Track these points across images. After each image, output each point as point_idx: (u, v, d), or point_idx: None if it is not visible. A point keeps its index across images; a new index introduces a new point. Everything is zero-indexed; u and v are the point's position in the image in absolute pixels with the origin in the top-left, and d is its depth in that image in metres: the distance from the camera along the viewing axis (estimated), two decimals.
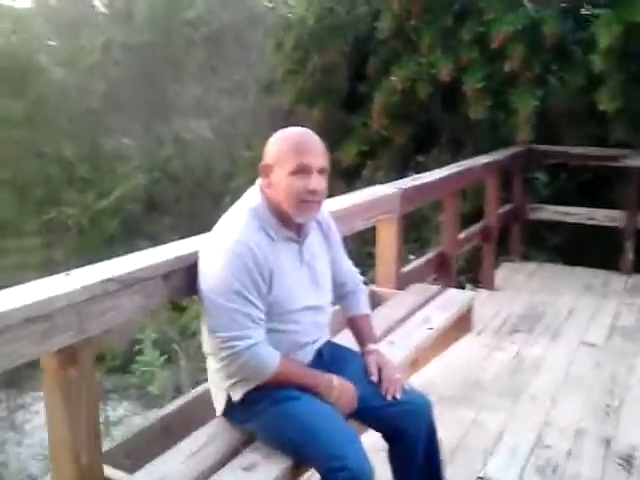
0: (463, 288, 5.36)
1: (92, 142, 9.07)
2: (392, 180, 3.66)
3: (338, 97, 6.09)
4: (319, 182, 1.79)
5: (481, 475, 2.60)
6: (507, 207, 5.60)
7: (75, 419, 1.61)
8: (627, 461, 2.70)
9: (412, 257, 5.52)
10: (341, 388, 1.85)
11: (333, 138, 6.50)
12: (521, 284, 5.22)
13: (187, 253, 1.87)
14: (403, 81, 5.23)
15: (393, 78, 5.29)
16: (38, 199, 8.97)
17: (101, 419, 5.23)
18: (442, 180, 3.83)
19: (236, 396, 1.83)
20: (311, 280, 1.92)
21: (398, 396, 1.92)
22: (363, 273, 2.23)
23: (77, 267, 1.75)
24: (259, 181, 1.87)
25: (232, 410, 1.87)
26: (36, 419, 5.93)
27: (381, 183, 3.57)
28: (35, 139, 9.15)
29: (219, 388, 1.89)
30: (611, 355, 3.82)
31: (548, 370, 3.61)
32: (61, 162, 9.16)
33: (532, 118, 5.13)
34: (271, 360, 1.76)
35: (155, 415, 2.09)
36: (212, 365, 1.88)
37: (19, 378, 6.43)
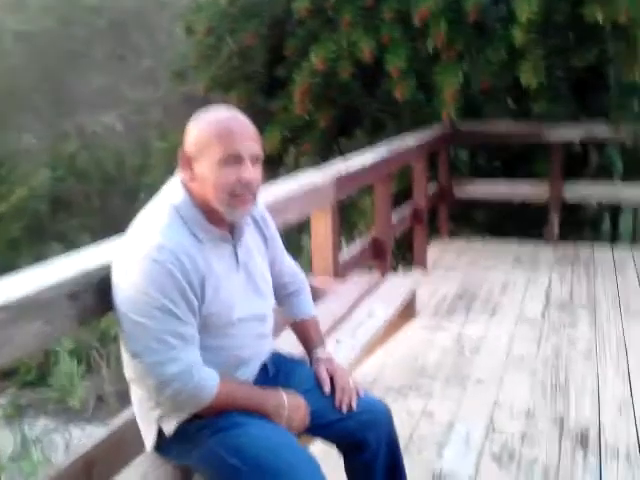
0: (396, 269, 5.28)
1: None
2: (316, 165, 3.47)
3: (256, 82, 5.80)
4: (253, 172, 1.54)
5: (437, 468, 2.47)
6: (434, 187, 5.53)
7: None
8: (582, 441, 2.64)
9: (344, 243, 5.37)
10: (293, 405, 1.62)
11: (254, 125, 6.20)
12: (453, 262, 5.19)
13: (96, 265, 1.57)
14: (323, 62, 5.02)
15: (313, 59, 5.05)
16: None
17: (17, 439, 4.80)
18: (374, 164, 3.66)
19: (168, 429, 1.57)
20: (250, 285, 1.67)
21: (354, 406, 1.73)
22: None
23: None
24: (179, 174, 1.60)
25: (164, 444, 1.60)
26: None
27: (306, 169, 3.36)
28: None
29: (147, 420, 1.61)
30: (550, 329, 3.81)
31: (491, 350, 3.54)
32: None
33: (456, 96, 5.05)
34: (209, 383, 1.51)
35: (76, 451, 1.79)
36: (137, 393, 1.61)
37: None
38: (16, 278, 1.50)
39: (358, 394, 1.76)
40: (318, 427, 1.71)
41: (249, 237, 1.70)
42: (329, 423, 1.72)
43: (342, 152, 5.71)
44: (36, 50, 7.65)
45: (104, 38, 7.75)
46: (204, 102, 6.92)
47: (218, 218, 1.56)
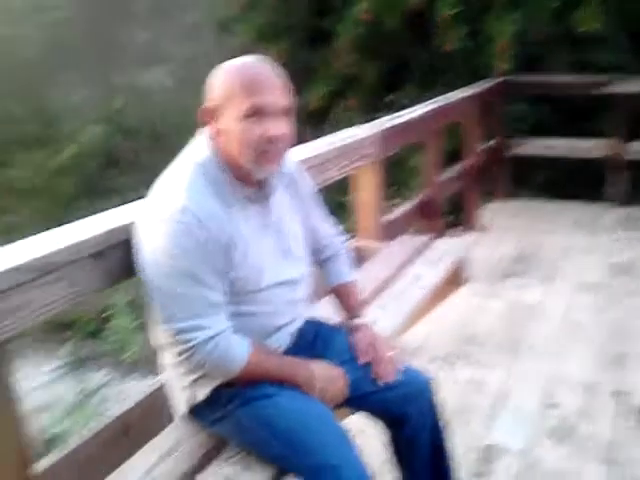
0: (447, 231, 5.08)
1: (37, 96, 8.37)
2: (363, 122, 3.29)
3: (300, 34, 5.58)
4: (281, 126, 1.39)
5: (487, 442, 2.34)
6: (488, 144, 5.26)
7: None
8: None
9: (393, 203, 5.18)
10: (327, 376, 1.51)
11: (297, 79, 6.00)
12: (509, 224, 4.93)
13: (122, 225, 1.48)
14: (368, 12, 4.75)
15: (358, 8, 4.79)
16: None
17: (78, 389, 4.88)
18: (423, 118, 3.46)
19: (200, 395, 1.49)
20: (281, 248, 1.55)
21: (392, 378, 1.60)
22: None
23: (37, 232, 1.43)
24: (206, 129, 1.47)
25: (197, 411, 1.52)
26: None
27: (352, 126, 3.19)
28: None
29: (179, 386, 1.54)
30: (612, 296, 3.57)
31: (547, 318, 3.35)
32: (7, 121, 8.47)
33: (510, 45, 4.73)
34: (239, 352, 1.41)
35: (113, 414, 1.74)
36: (167, 359, 1.53)
37: None
38: (37, 239, 1.42)
39: (398, 365, 1.64)
40: (354, 399, 1.60)
41: (281, 196, 1.57)
42: (365, 395, 1.61)
43: (391, 107, 5.48)
44: (83, 4, 7.58)
45: None
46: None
47: (246, 176, 1.43)
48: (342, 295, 1.77)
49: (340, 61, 5.29)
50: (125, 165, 7.56)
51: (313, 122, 6.86)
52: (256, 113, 1.36)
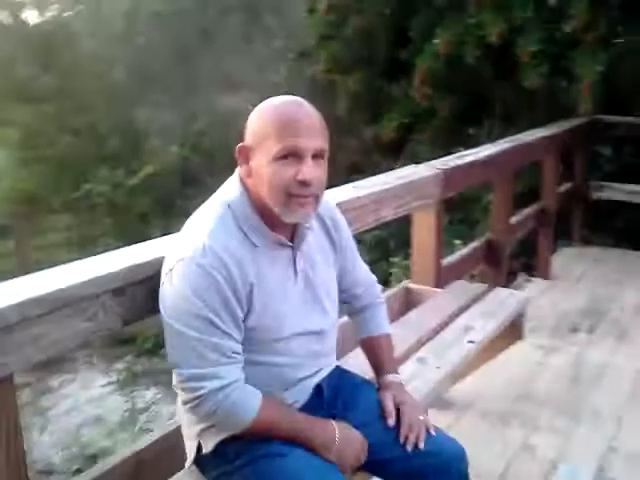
0: (515, 275, 4.84)
1: (122, 116, 8.76)
2: (437, 157, 3.17)
3: (377, 65, 5.54)
4: (314, 170, 1.32)
5: None
6: (567, 186, 5.00)
7: None
8: None
9: (458, 242, 5.00)
10: (345, 439, 1.41)
11: (372, 110, 6.00)
12: (582, 273, 4.64)
13: (145, 261, 1.44)
14: (447, 45, 4.65)
15: (436, 41, 4.70)
16: (70, 175, 8.73)
17: (128, 405, 4.98)
18: (491, 158, 3.30)
19: (207, 446, 1.42)
20: (309, 297, 1.47)
21: (421, 445, 1.47)
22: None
23: (113, 247, 1.48)
24: (238, 168, 1.42)
25: (203, 462, 1.45)
26: (62, 404, 5.74)
27: (424, 160, 3.08)
28: (65, 113, 8.91)
29: (189, 432, 1.47)
30: None
31: (614, 380, 3.09)
32: (92, 137, 8.90)
33: (595, 86, 4.49)
34: (250, 405, 1.33)
35: (124, 453, 1.69)
36: (180, 403, 1.47)
37: (47, 361, 6.24)
38: (58, 271, 1.41)
39: (428, 431, 1.51)
40: (376, 464, 1.49)
41: (313, 242, 1.49)
42: (389, 460, 1.48)
43: (469, 142, 5.34)
44: (170, 29, 7.89)
45: (235, 19, 7.80)
46: (329, 85, 6.75)
47: (276, 220, 1.36)
48: (373, 349, 1.67)
49: (417, 93, 5.20)
50: (201, 186, 7.74)
51: (387, 155, 6.79)
52: (288, 155, 1.30)
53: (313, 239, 1.50)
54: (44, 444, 5.04)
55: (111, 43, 8.48)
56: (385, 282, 5.72)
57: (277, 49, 7.71)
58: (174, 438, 1.63)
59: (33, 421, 5.34)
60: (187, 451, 1.49)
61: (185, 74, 7.94)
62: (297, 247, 1.43)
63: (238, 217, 1.36)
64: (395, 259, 5.56)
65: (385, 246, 6.16)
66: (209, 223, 1.34)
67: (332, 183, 2.40)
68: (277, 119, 1.32)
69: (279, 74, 6.85)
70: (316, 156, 1.33)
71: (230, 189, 1.40)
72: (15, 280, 1.33)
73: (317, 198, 1.37)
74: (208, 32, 7.84)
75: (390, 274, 5.57)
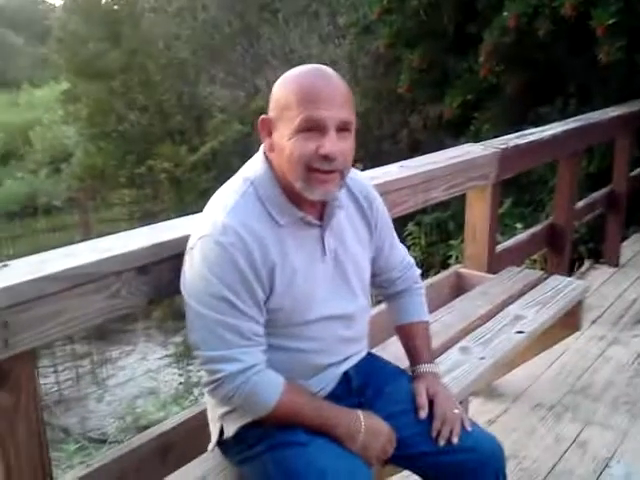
0: (582, 261, 4.61)
1: (186, 92, 8.85)
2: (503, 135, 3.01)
3: (443, 39, 5.32)
4: (337, 143, 1.23)
5: None
6: None
7: (11, 459, 1.24)
8: None
9: (519, 226, 4.80)
10: (371, 430, 1.34)
11: (436, 87, 5.80)
12: None
13: (169, 239, 1.41)
14: (518, 18, 4.40)
15: (506, 14, 4.46)
16: (135, 151, 8.94)
17: (182, 379, 5.09)
18: (556, 138, 3.10)
19: (229, 430, 1.38)
20: (338, 279, 1.40)
21: (455, 440, 1.39)
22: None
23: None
24: (263, 142, 1.35)
25: (226, 446, 1.42)
26: (120, 375, 5.92)
27: (488, 140, 2.93)
28: (132, 90, 9.09)
29: (212, 415, 1.44)
30: None
31: None
32: (157, 113, 9.05)
33: None
34: (269, 391, 1.28)
35: (152, 432, 1.69)
36: (202, 385, 1.44)
37: (107, 331, 6.45)
38: (83, 246, 1.39)
39: (463, 426, 1.42)
40: (405, 458, 1.41)
41: (345, 221, 1.42)
42: (419, 455, 1.41)
43: (537, 121, 5.08)
44: (233, 5, 7.85)
45: None
46: (392, 61, 6.56)
47: (302, 197, 1.29)
48: (408, 336, 1.58)
49: (483, 69, 4.97)
50: None
51: (452, 133, 6.57)
52: (311, 127, 1.22)
53: (345, 218, 1.42)
54: (100, 413, 5.22)
55: (175, 20, 8.56)
56: (444, 265, 5.57)
57: (341, 24, 7.57)
58: (203, 419, 1.61)
59: (91, 390, 5.55)
60: (211, 433, 1.47)
61: (248, 50, 7.92)
62: (326, 226, 1.36)
63: (261, 194, 1.30)
64: (454, 242, 5.39)
65: (445, 228, 5.99)
66: (230, 200, 1.28)
67: (394, 162, 2.32)
68: (299, 89, 1.24)
69: (342, 49, 6.73)
70: (341, 129, 1.24)
71: (254, 165, 1.34)
72: (36, 255, 1.32)
73: (342, 174, 1.28)
74: (271, 7, 7.77)
75: (448, 257, 5.42)
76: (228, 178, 1.39)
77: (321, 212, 1.36)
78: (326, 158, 1.22)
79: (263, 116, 1.31)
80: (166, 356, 6.09)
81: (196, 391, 5.24)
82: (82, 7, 11.03)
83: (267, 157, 1.33)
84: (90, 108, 9.83)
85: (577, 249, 4.84)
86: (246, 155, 1.43)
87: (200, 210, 1.38)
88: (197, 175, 8.32)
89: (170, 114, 9.19)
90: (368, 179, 1.54)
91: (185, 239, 1.35)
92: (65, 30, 11.66)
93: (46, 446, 1.29)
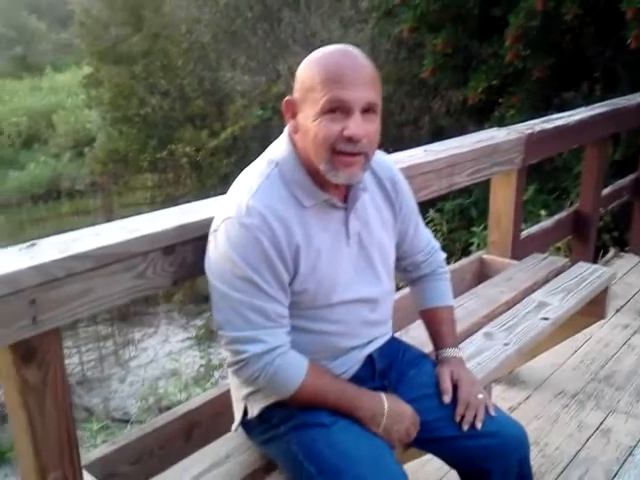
0: (607, 249, 4.55)
1: (207, 77, 8.84)
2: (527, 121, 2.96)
3: (468, 22, 5.24)
4: (362, 125, 1.21)
5: None
6: None
7: (39, 431, 1.26)
8: None
9: (544, 213, 4.74)
10: (394, 413, 1.34)
11: (460, 71, 5.72)
12: None
13: (195, 220, 1.41)
14: (545, 1, 4.31)
15: None
16: (157, 136, 8.97)
17: (203, 361, 5.12)
18: (583, 124, 3.05)
19: (253, 411, 1.39)
20: (362, 262, 1.39)
21: (479, 425, 1.38)
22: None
23: None
24: (288, 124, 1.34)
25: (250, 426, 1.43)
26: (143, 356, 5.98)
27: (511, 125, 2.89)
28: (153, 74, 9.10)
29: (236, 396, 1.45)
30: None
31: None
32: (178, 98, 9.05)
33: None
34: (295, 372, 1.28)
35: (176, 411, 1.70)
36: (227, 365, 1.44)
37: (130, 313, 6.52)
38: (110, 226, 1.40)
39: (487, 411, 1.41)
40: (429, 441, 1.42)
41: (370, 204, 1.41)
42: (443, 439, 1.41)
43: (563, 107, 5.00)
44: None
45: None
46: (415, 45, 6.47)
47: (325, 179, 1.28)
48: (432, 321, 1.58)
49: (509, 53, 4.89)
50: None
51: (475, 119, 6.49)
52: (336, 108, 1.21)
53: (370, 201, 1.41)
54: (123, 394, 5.29)
55: (197, 3, 8.53)
56: (465, 252, 5.53)
57: (363, 8, 7.49)
58: (227, 399, 1.62)
59: (114, 371, 5.63)
60: (235, 413, 1.48)
61: (269, 34, 7.88)
62: (350, 208, 1.35)
63: (286, 176, 1.29)
64: (476, 229, 5.35)
65: (467, 215, 5.94)
66: (254, 182, 1.28)
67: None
68: (323, 70, 1.22)
69: (364, 33, 6.67)
70: (367, 110, 1.23)
71: (279, 146, 1.34)
72: (65, 234, 1.33)
73: (367, 156, 1.26)
74: None
75: (470, 245, 5.38)
76: (248, 163, 1.38)
77: (345, 194, 1.35)
78: (351, 140, 1.21)
79: (288, 97, 1.30)
80: (187, 339, 6.15)
81: (217, 374, 5.28)
82: None
83: (291, 139, 1.32)
84: (112, 92, 9.88)
85: (601, 237, 4.78)
86: (267, 140, 1.42)
87: (221, 195, 1.37)
88: (218, 160, 8.33)
89: (191, 99, 9.20)
90: (393, 162, 1.52)
91: (210, 221, 1.35)
92: (87, 15, 11.71)
93: (72, 421, 1.31)
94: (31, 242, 1.29)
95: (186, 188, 8.71)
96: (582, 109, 3.31)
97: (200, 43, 8.82)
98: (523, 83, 5.16)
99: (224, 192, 1.37)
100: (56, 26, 27.43)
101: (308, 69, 1.26)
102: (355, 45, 1.34)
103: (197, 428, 1.69)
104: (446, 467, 1.49)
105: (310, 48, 1.32)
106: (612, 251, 4.35)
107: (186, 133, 8.80)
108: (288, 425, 1.33)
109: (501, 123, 5.03)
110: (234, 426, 1.46)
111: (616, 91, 4.74)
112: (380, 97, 1.27)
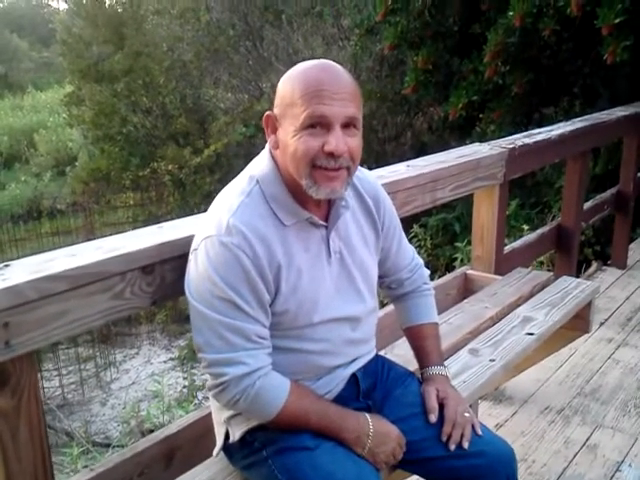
0: (589, 263, 4.58)
1: (189, 95, 8.84)
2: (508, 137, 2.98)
3: (448, 40, 5.29)
4: (343, 140, 1.20)
5: None
6: None
7: (12, 461, 1.21)
8: None
9: (526, 228, 4.76)
10: (380, 434, 1.31)
11: (441, 88, 5.76)
12: None
13: (174, 239, 1.38)
14: (523, 17, 4.36)
15: (510, 14, 4.43)
16: (139, 154, 8.92)
17: (186, 382, 5.05)
18: (563, 138, 3.07)
19: (234, 435, 1.35)
20: (344, 280, 1.37)
21: (465, 445, 1.36)
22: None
23: None
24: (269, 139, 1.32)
25: (231, 450, 1.39)
26: (124, 378, 5.88)
27: (493, 140, 2.90)
28: (135, 92, 9.07)
29: (217, 419, 1.42)
30: None
31: None
32: (160, 116, 9.03)
33: None
34: (276, 394, 1.25)
35: (156, 436, 1.66)
36: (207, 388, 1.41)
37: (111, 334, 6.42)
38: (87, 246, 1.36)
39: (474, 430, 1.39)
40: (415, 462, 1.39)
41: (351, 222, 1.39)
42: (429, 459, 1.38)
43: (542, 122, 5.05)
44: (237, 7, 7.82)
45: None
46: (397, 63, 6.49)
47: (307, 196, 1.26)
48: (417, 338, 1.55)
49: (488, 69, 4.93)
50: None
51: (457, 135, 6.54)
52: (316, 124, 1.19)
53: (351, 218, 1.39)
54: (104, 417, 5.19)
55: (179, 22, 8.55)
56: (449, 268, 5.53)
57: (345, 26, 7.55)
58: (208, 423, 1.58)
59: (95, 394, 5.52)
60: (216, 437, 1.44)
61: (251, 52, 7.91)
62: (331, 226, 1.33)
63: (266, 193, 1.27)
64: (459, 244, 5.36)
65: (451, 230, 5.95)
66: (235, 200, 1.25)
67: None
68: (303, 85, 1.20)
69: (346, 51, 6.71)
70: (347, 125, 1.21)
71: (260, 163, 1.31)
72: (40, 255, 1.29)
73: (349, 171, 1.24)
74: (275, 9, 7.75)
75: (454, 260, 5.38)
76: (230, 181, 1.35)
77: (327, 212, 1.33)
78: (331, 155, 1.19)
79: (268, 112, 1.28)
80: (170, 359, 6.07)
81: (200, 395, 5.21)
82: (86, 10, 11.04)
83: (272, 155, 1.30)
84: (94, 111, 9.83)
85: (583, 251, 4.81)
86: (250, 158, 1.40)
87: (204, 213, 1.35)
88: (201, 178, 8.30)
89: (174, 116, 9.18)
90: (376, 178, 1.51)
91: (190, 239, 1.32)
92: (69, 33, 11.67)
93: (48, 450, 1.27)
94: (4, 263, 1.25)
95: (169, 206, 8.66)
96: (562, 124, 3.34)
97: (182, 61, 8.83)
98: (503, 99, 5.21)
99: (207, 210, 1.34)
100: (38, 44, 27.37)
101: (288, 84, 1.24)
102: (338, 62, 1.32)
103: (178, 452, 1.65)
104: None
105: (292, 65, 1.31)
106: (594, 265, 4.37)
107: (169, 151, 8.77)
108: (270, 449, 1.30)
109: (482, 139, 5.06)
110: (215, 451, 1.42)
111: (595, 106, 4.79)
112: (361, 112, 1.25)
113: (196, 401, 5.00)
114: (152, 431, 4.06)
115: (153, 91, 9.27)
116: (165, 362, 6.08)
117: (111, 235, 1.45)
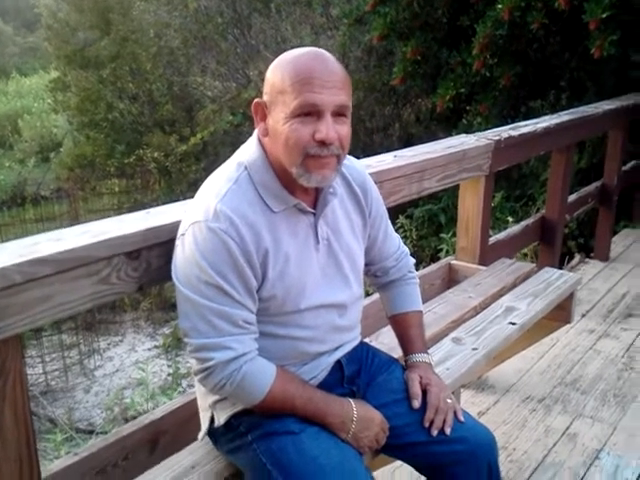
0: (572, 255, 4.63)
1: (176, 82, 8.79)
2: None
3: (436, 31, 5.29)
4: (334, 128, 1.21)
5: None
6: (632, 164, 4.71)
7: None
8: None
9: (511, 220, 4.80)
10: (363, 419, 1.33)
11: (429, 80, 5.78)
12: None
13: (161, 224, 1.38)
14: (511, 10, 4.38)
15: (499, 7, 4.44)
16: (125, 141, 8.85)
17: (170, 370, 5.05)
18: (549, 131, 3.09)
19: (219, 419, 1.36)
20: (331, 267, 1.38)
21: (447, 430, 1.38)
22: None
23: None
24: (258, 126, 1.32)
25: (216, 435, 1.40)
26: (108, 366, 5.86)
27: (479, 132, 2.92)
28: (122, 79, 9.00)
29: (202, 404, 1.43)
30: None
31: None
32: (147, 103, 8.97)
33: None
34: (263, 379, 1.26)
35: (140, 421, 1.66)
36: (193, 373, 1.42)
37: (95, 322, 6.40)
38: (72, 230, 1.36)
39: (456, 416, 1.41)
40: (398, 447, 1.41)
41: (339, 209, 1.40)
42: (412, 445, 1.40)
43: (529, 115, 5.07)
44: None
45: None
46: (385, 53, 6.49)
47: (296, 183, 1.27)
48: (402, 326, 1.57)
49: (476, 62, 4.94)
50: None
51: (444, 127, 6.55)
52: (306, 112, 1.19)
53: (339, 206, 1.40)
54: (88, 404, 5.17)
55: (166, 8, 8.48)
56: (434, 259, 5.57)
57: (334, 15, 7.52)
58: (193, 408, 1.59)
59: (79, 381, 5.50)
60: (201, 422, 1.45)
61: (239, 40, 7.86)
62: (319, 213, 1.34)
63: (254, 179, 1.28)
64: (445, 235, 5.39)
65: (436, 221, 5.98)
66: (223, 186, 1.26)
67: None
68: (294, 72, 1.21)
69: (335, 40, 6.69)
70: (338, 113, 1.22)
71: (248, 149, 1.32)
72: (26, 239, 1.29)
73: (338, 159, 1.25)
74: None
75: (439, 251, 5.42)
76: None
77: (315, 199, 1.34)
78: (323, 143, 1.20)
79: (257, 100, 1.29)
80: (154, 347, 6.06)
81: (184, 382, 5.21)
82: None
83: (261, 142, 1.30)
84: (79, 97, 9.74)
85: (567, 244, 4.86)
86: (237, 146, 1.40)
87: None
88: (187, 165, 8.27)
89: (160, 103, 9.12)
90: (364, 166, 1.52)
91: (177, 225, 1.32)
92: (55, 18, 11.52)
93: (33, 433, 1.27)
94: None
95: (155, 194, 8.62)
96: (549, 117, 3.36)
97: (169, 48, 8.76)
98: (490, 91, 5.22)
99: (194, 197, 1.34)
100: (22, 29, 26.98)
101: (278, 71, 1.24)
102: (329, 51, 1.33)
103: (162, 438, 1.66)
104: (416, 474, 1.48)
105: (280, 54, 1.31)
106: (577, 257, 4.42)
107: (155, 138, 8.71)
108: (255, 433, 1.31)
109: (469, 131, 5.08)
110: (200, 435, 1.43)
111: (582, 100, 4.83)
112: (351, 100, 1.26)
113: (180, 389, 5.00)
114: (135, 418, 4.07)
115: (140, 78, 9.20)
116: (149, 350, 6.07)
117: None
